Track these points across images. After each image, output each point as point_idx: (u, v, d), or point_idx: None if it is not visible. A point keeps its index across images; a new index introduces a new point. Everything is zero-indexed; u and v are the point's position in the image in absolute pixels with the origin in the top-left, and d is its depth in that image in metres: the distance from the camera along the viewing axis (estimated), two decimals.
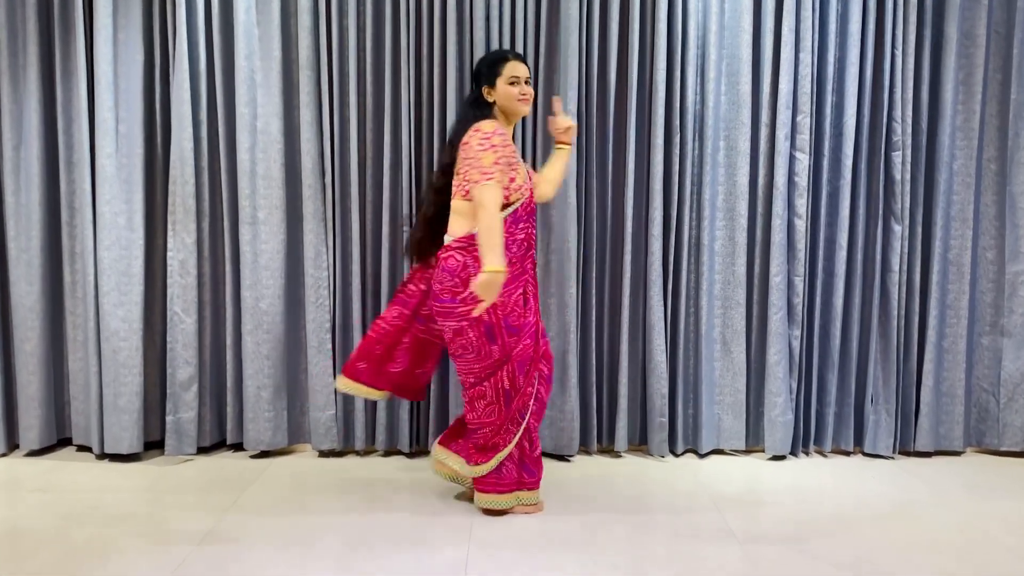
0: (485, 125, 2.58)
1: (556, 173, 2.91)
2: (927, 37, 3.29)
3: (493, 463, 2.69)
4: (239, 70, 3.18)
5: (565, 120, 2.89)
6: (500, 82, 2.66)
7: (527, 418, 2.70)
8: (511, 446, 2.69)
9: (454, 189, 2.64)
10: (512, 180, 2.62)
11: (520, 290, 2.68)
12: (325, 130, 3.25)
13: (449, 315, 2.59)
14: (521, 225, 2.66)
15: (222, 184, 3.27)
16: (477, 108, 2.70)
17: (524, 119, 3.08)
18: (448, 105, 3.19)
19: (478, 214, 2.47)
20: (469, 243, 2.56)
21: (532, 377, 2.69)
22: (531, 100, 2.72)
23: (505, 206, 2.58)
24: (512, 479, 2.73)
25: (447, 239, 2.64)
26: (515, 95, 2.66)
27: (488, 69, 2.69)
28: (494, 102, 2.69)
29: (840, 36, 3.28)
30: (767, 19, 3.26)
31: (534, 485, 2.78)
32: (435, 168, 2.98)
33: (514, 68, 2.66)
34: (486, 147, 2.52)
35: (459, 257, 2.57)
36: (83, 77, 3.16)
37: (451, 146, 2.70)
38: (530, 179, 2.74)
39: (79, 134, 3.19)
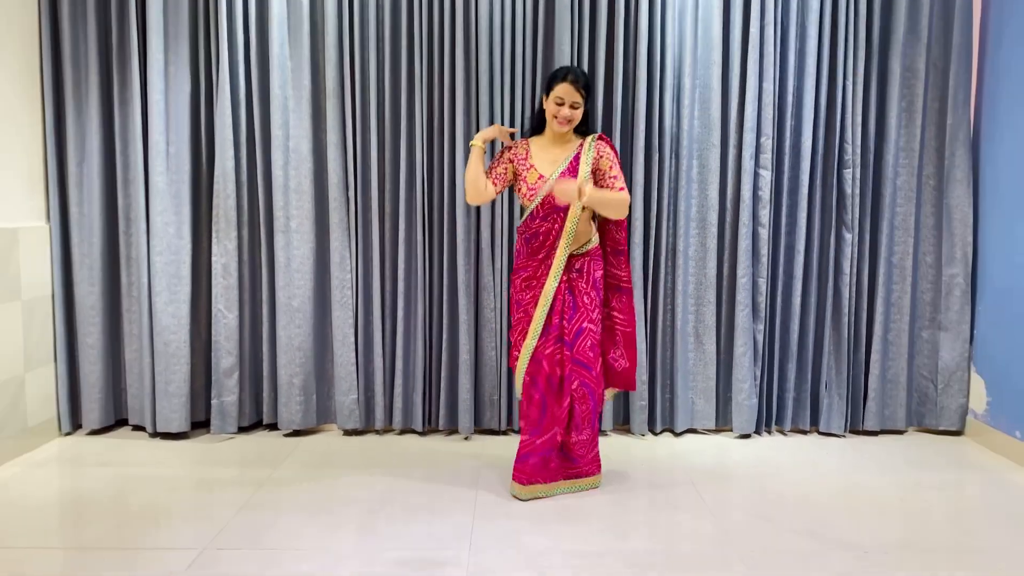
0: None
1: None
2: (874, 70, 3.29)
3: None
4: (274, 98, 3.18)
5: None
6: (549, 98, 2.62)
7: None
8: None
9: None
10: (518, 189, 2.73)
11: (526, 273, 2.70)
12: (349, 150, 3.24)
13: None
14: (537, 222, 2.67)
15: (259, 197, 3.26)
16: (534, 116, 2.79)
17: None
18: (457, 126, 3.19)
19: None
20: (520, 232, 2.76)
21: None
22: (568, 124, 2.62)
23: (522, 209, 2.74)
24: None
25: None
26: (553, 112, 2.61)
27: (547, 82, 2.66)
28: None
29: (798, 68, 3.28)
30: (735, 53, 3.26)
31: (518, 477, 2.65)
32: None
33: (563, 90, 2.58)
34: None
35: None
36: (138, 104, 3.16)
37: None
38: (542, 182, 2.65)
39: (134, 154, 3.18)
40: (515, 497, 2.64)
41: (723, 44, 3.27)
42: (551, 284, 2.63)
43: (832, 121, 3.29)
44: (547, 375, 2.63)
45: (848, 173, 3.29)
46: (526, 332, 2.67)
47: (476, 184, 2.67)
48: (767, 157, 3.27)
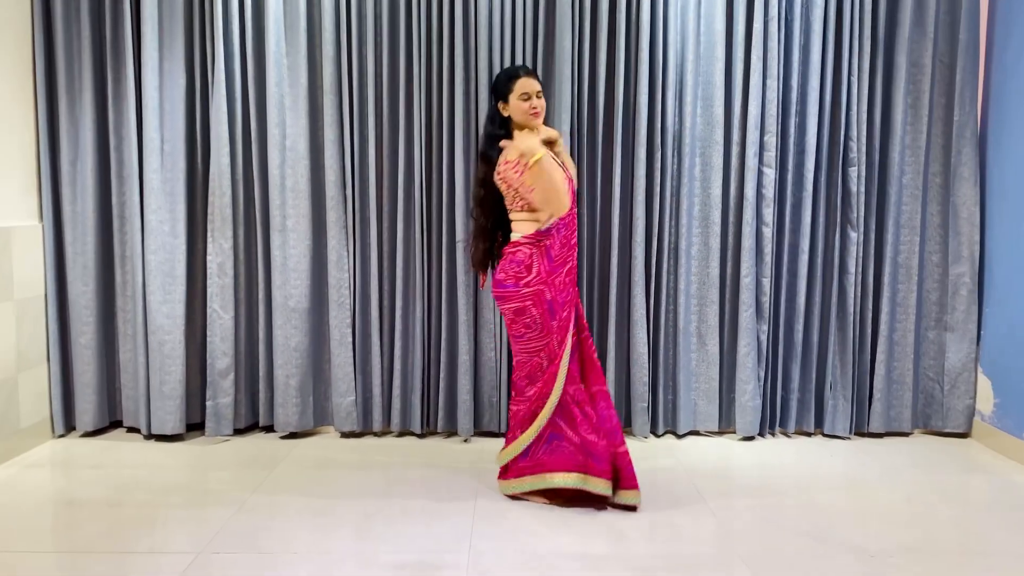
0: (507, 153, 2.58)
1: None
2: (879, 66, 3.29)
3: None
4: (270, 95, 3.18)
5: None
6: (512, 98, 2.60)
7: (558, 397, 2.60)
8: (538, 427, 2.60)
9: (509, 205, 2.65)
10: None
11: (564, 268, 2.62)
12: (346, 148, 3.24)
13: (511, 299, 2.59)
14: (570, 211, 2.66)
15: (255, 196, 3.26)
16: (493, 123, 2.69)
17: None
18: (456, 125, 3.20)
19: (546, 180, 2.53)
20: (536, 240, 2.58)
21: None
22: (543, 113, 2.64)
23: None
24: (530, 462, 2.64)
25: (515, 236, 2.64)
26: (526, 110, 2.60)
27: (503, 86, 2.64)
28: (508, 116, 2.65)
29: (802, 65, 3.27)
30: (738, 49, 3.26)
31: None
32: (472, 183, 2.90)
33: (525, 84, 2.59)
34: (520, 171, 2.54)
35: (527, 250, 2.58)
36: (132, 101, 3.16)
37: (482, 160, 2.70)
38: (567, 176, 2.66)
39: (128, 151, 3.19)
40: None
41: (726, 40, 3.27)
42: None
43: (837, 118, 3.28)
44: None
45: (853, 171, 3.28)
46: (568, 330, 2.61)
47: (561, 187, 2.57)
48: (771, 155, 3.26)
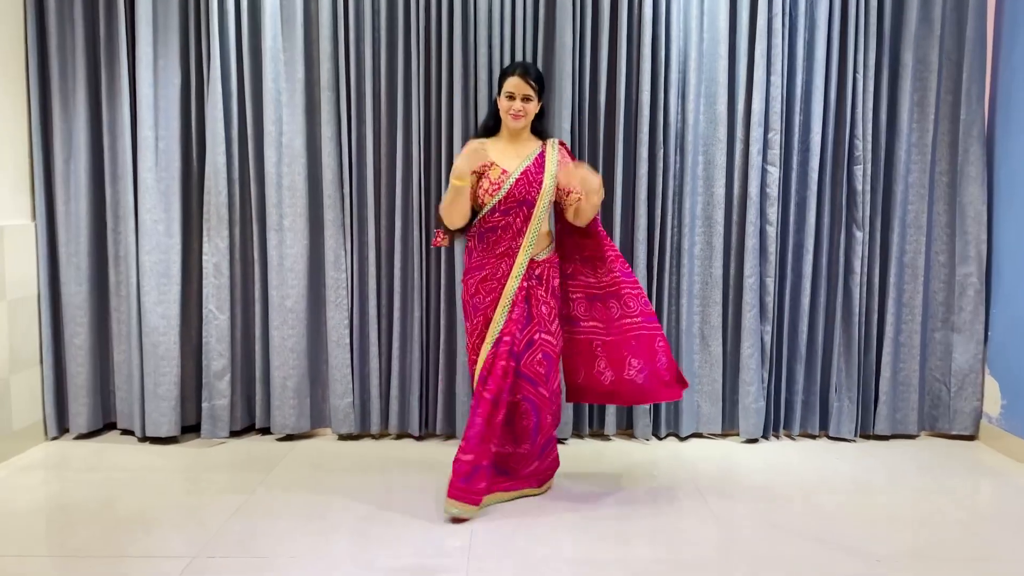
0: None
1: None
2: (885, 63, 3.29)
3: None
4: (267, 91, 3.19)
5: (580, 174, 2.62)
6: (501, 95, 2.64)
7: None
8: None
9: None
10: (478, 187, 2.65)
11: (482, 273, 2.65)
12: (344, 145, 3.25)
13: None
14: (497, 215, 2.62)
15: (251, 194, 3.27)
16: (489, 116, 2.77)
17: None
18: (455, 122, 3.20)
19: None
20: (473, 233, 2.71)
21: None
22: (525, 117, 2.62)
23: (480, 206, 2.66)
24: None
25: None
26: (506, 109, 2.62)
27: (499, 80, 2.69)
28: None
29: (807, 61, 3.28)
30: (741, 45, 3.26)
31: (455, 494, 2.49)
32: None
33: (512, 84, 2.59)
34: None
35: (469, 242, 2.74)
36: (126, 99, 3.16)
37: None
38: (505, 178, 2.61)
39: (123, 150, 3.18)
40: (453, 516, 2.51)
41: (729, 36, 3.26)
42: (512, 284, 2.59)
43: (842, 116, 3.28)
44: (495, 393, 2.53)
45: (859, 169, 3.29)
46: (484, 337, 2.63)
47: (464, 213, 2.61)
48: (775, 153, 3.26)
